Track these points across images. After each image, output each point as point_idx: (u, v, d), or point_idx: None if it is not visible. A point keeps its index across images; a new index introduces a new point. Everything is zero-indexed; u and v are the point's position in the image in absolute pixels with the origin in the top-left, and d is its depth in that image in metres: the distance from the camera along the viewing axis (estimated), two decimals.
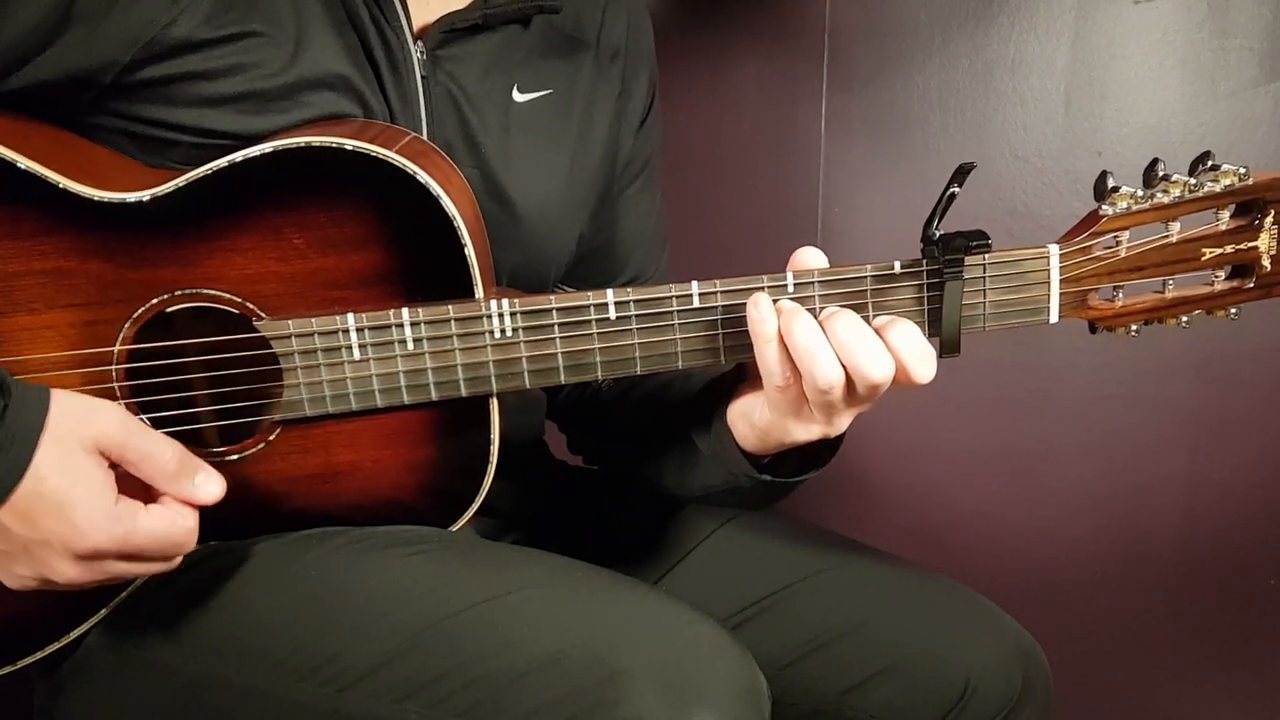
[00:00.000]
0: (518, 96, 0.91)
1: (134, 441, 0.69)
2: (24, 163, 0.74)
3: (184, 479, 0.70)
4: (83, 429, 0.67)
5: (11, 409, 0.66)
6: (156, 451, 0.69)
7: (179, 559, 0.72)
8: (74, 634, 0.82)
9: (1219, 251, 0.80)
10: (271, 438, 0.81)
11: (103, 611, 0.81)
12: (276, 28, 0.79)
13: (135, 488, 0.70)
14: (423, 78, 0.86)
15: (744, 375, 0.83)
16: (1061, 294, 0.80)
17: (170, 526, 0.69)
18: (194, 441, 0.79)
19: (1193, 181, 0.78)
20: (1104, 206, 0.78)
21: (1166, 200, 0.78)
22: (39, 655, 0.82)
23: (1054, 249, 0.79)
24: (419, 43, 0.85)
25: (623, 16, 1.00)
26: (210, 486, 0.71)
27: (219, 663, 0.77)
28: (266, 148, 0.75)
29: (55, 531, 0.65)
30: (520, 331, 0.79)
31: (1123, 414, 1.49)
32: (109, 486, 0.67)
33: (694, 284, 0.78)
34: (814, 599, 0.94)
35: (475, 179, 0.87)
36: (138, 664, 0.80)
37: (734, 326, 0.78)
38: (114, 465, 0.68)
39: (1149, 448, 1.50)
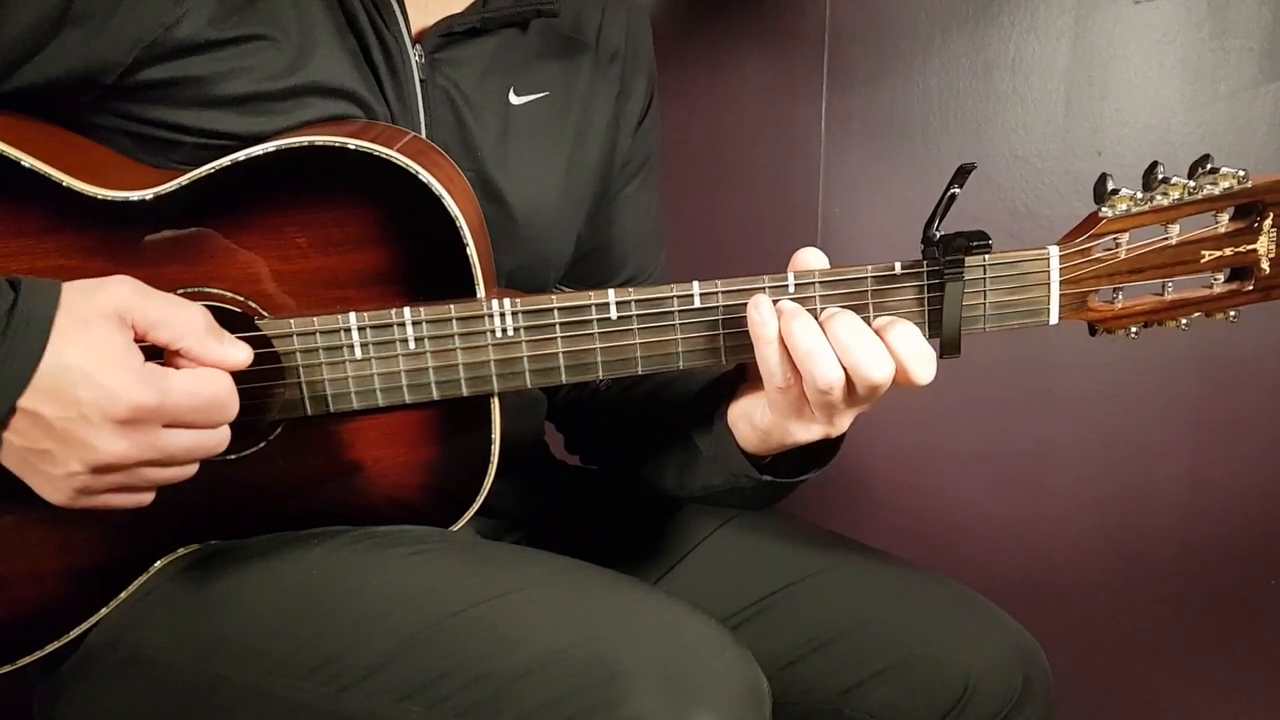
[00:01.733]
0: (514, 99, 0.91)
1: (153, 302, 0.68)
2: (27, 161, 0.74)
3: (212, 338, 0.69)
4: (96, 300, 0.67)
5: (22, 297, 0.65)
6: (180, 311, 0.68)
7: (225, 429, 0.70)
8: (74, 634, 0.82)
9: (1218, 254, 0.80)
10: (272, 437, 0.81)
11: (103, 611, 0.82)
12: (279, 31, 0.79)
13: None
14: (421, 81, 0.86)
15: (745, 376, 0.83)
16: (1061, 295, 0.80)
17: (207, 382, 0.67)
18: None
19: (1192, 184, 0.78)
20: (1103, 208, 0.78)
21: (1166, 202, 0.78)
22: (39, 655, 0.82)
23: (1054, 250, 0.79)
24: (417, 46, 0.86)
25: (622, 17, 1.00)
26: (239, 349, 0.69)
27: (219, 662, 0.77)
28: (269, 147, 0.75)
29: (88, 400, 0.64)
30: (521, 331, 0.79)
31: (1123, 414, 1.49)
32: (133, 350, 0.66)
33: (695, 284, 0.78)
34: (814, 599, 0.94)
35: (473, 181, 0.87)
36: (138, 664, 0.80)
37: (735, 327, 0.78)
38: (138, 339, 0.67)
39: (1149, 448, 1.50)
